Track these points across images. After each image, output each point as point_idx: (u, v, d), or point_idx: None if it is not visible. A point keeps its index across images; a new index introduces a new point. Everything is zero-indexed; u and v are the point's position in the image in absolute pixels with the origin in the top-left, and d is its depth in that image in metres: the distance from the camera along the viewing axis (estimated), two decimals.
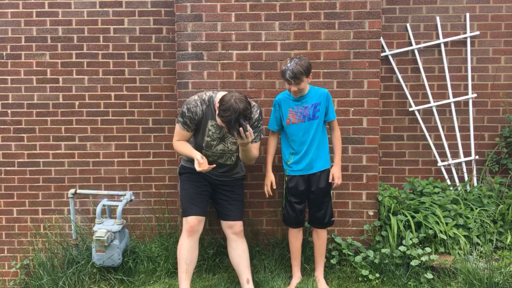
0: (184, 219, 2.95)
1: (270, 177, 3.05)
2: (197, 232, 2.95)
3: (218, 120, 2.74)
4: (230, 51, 3.37)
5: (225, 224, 3.06)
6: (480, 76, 3.80)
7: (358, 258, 3.23)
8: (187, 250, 2.90)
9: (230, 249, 3.03)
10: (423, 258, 3.08)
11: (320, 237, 3.12)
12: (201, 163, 2.70)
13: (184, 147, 2.88)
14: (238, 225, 3.04)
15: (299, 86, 2.86)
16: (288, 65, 2.81)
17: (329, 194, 3.09)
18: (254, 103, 2.92)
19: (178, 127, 2.90)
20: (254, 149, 2.90)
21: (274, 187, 3.05)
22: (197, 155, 2.74)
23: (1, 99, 3.80)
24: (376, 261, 3.19)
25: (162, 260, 3.41)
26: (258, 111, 2.92)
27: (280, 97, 3.05)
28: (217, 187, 3.05)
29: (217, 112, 2.70)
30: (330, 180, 3.03)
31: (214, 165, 2.77)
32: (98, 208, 3.48)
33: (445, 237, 3.16)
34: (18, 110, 3.81)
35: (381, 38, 3.59)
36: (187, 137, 2.93)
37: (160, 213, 3.80)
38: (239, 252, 3.00)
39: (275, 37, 3.37)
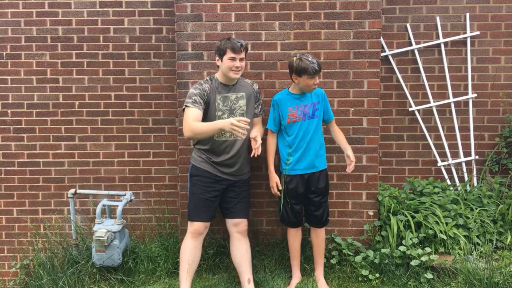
0: (190, 222, 2.96)
1: (275, 179, 3.04)
2: (202, 235, 2.99)
3: (224, 58, 2.89)
4: None
5: (230, 222, 3.06)
6: (480, 76, 3.80)
7: (358, 258, 3.23)
8: (190, 250, 2.91)
9: (233, 247, 3.03)
10: (423, 258, 3.08)
11: (319, 236, 3.12)
12: (239, 120, 2.57)
13: (204, 123, 2.77)
14: (244, 223, 3.05)
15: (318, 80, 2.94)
16: (310, 59, 2.84)
17: (328, 193, 3.10)
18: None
19: (188, 110, 2.84)
20: (259, 124, 3.11)
21: (280, 188, 3.04)
22: (229, 120, 2.60)
23: (1, 99, 3.81)
24: (376, 261, 3.19)
25: (162, 260, 3.41)
26: (257, 86, 3.15)
27: (279, 96, 3.05)
28: (227, 188, 3.04)
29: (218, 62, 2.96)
30: (347, 163, 3.02)
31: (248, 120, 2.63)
32: (98, 208, 3.48)
33: (445, 237, 3.17)
34: (18, 110, 3.81)
35: (381, 38, 3.59)
36: (199, 117, 2.84)
37: (160, 213, 3.80)
38: (242, 252, 3.00)
39: (275, 37, 3.37)
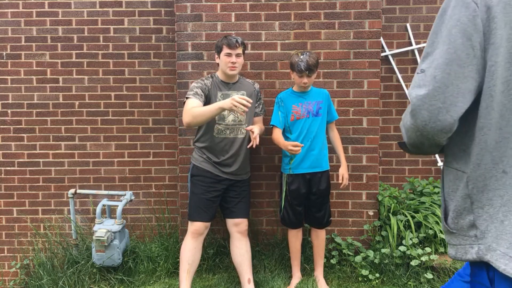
0: (190, 222, 2.96)
1: (289, 143, 2.83)
2: (202, 235, 2.99)
3: (221, 54, 2.93)
4: None
5: (230, 222, 3.05)
6: None
7: (358, 258, 3.23)
8: (190, 250, 2.91)
9: (234, 247, 3.03)
10: (423, 258, 3.08)
11: (319, 237, 3.12)
12: (242, 98, 2.54)
13: (204, 107, 2.74)
14: (244, 223, 3.05)
15: (311, 79, 2.91)
16: (302, 57, 2.85)
17: (329, 195, 3.09)
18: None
19: (188, 100, 2.81)
20: (259, 123, 3.12)
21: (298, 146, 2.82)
22: (231, 96, 2.60)
23: (1, 99, 3.81)
24: (376, 261, 3.19)
25: (162, 260, 3.41)
26: (258, 85, 3.18)
27: (283, 94, 3.06)
28: (228, 188, 3.04)
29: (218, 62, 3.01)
30: (340, 181, 3.05)
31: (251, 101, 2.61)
32: (98, 208, 3.48)
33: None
34: (18, 110, 3.81)
35: (381, 38, 3.59)
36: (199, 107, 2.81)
37: (160, 213, 3.80)
38: (242, 252, 3.00)
39: (275, 37, 3.37)
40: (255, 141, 2.74)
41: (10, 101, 3.81)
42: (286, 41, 3.37)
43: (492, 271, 1.18)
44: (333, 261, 3.32)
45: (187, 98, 2.85)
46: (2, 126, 3.83)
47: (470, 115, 1.19)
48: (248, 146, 2.84)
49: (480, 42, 1.12)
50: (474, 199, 1.20)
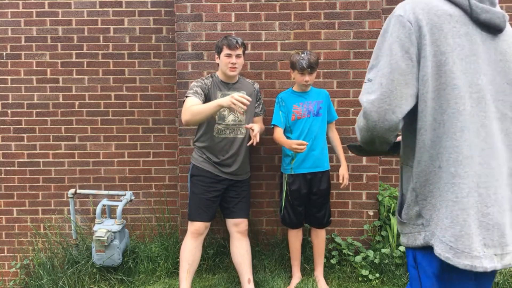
0: (190, 222, 2.96)
1: (294, 142, 2.81)
2: (202, 235, 2.99)
3: (221, 55, 2.94)
4: None
5: (230, 222, 3.06)
6: None
7: (358, 258, 3.23)
8: (190, 251, 2.91)
9: (234, 247, 3.03)
10: None
11: (319, 237, 3.12)
12: (240, 95, 2.54)
13: (203, 105, 2.74)
14: (244, 223, 3.05)
15: (312, 77, 2.92)
16: (303, 55, 2.87)
17: (329, 194, 3.09)
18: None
19: (187, 99, 2.81)
20: (259, 122, 3.12)
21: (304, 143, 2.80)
22: (231, 95, 2.56)
23: (1, 99, 3.81)
24: (376, 261, 3.19)
25: (162, 260, 3.41)
26: (258, 85, 3.18)
27: (284, 94, 3.06)
28: (228, 188, 3.04)
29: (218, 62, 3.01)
30: (340, 181, 3.05)
31: (250, 99, 2.61)
32: (98, 208, 3.48)
33: None
34: (18, 110, 3.81)
35: None
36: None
37: (160, 213, 3.81)
38: (242, 252, 3.00)
39: (275, 37, 3.37)
40: (255, 138, 2.74)
41: (10, 101, 3.81)
42: (286, 41, 3.37)
43: (414, 250, 1.40)
44: (333, 261, 3.32)
45: (186, 96, 2.85)
46: (2, 126, 3.83)
47: (413, 118, 1.37)
48: (248, 144, 2.85)
49: (416, 55, 1.33)
50: (418, 192, 1.38)
